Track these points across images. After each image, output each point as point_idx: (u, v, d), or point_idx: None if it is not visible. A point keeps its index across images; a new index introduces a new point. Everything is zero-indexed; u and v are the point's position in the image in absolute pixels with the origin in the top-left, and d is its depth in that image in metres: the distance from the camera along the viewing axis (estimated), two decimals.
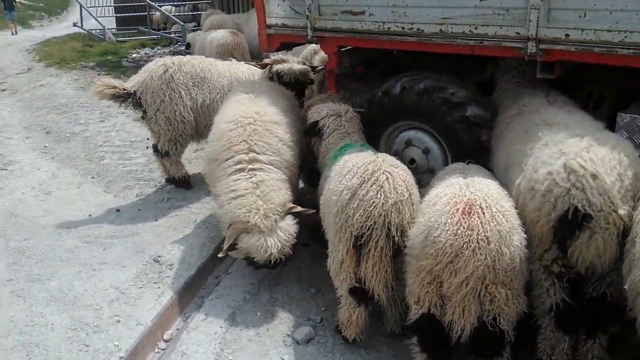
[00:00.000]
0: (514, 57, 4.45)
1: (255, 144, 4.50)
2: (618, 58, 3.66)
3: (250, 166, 4.39)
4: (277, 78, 6.01)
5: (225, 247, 4.16)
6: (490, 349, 3.33)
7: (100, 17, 20.98)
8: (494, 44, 4.22)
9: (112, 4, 22.21)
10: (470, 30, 4.32)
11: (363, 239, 3.65)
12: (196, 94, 6.19)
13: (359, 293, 3.81)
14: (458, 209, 3.21)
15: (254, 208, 4.15)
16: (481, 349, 3.33)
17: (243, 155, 4.44)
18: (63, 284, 4.71)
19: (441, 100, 4.78)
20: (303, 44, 6.32)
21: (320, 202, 4.28)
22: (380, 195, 3.63)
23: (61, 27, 28.89)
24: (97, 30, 19.92)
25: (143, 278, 4.80)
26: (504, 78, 4.80)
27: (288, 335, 4.15)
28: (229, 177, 4.36)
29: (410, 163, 5.15)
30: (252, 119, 4.65)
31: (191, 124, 6.24)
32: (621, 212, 3.08)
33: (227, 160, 4.48)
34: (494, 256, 3.11)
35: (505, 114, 4.43)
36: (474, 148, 4.66)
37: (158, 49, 17.62)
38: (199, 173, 7.16)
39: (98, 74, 13.27)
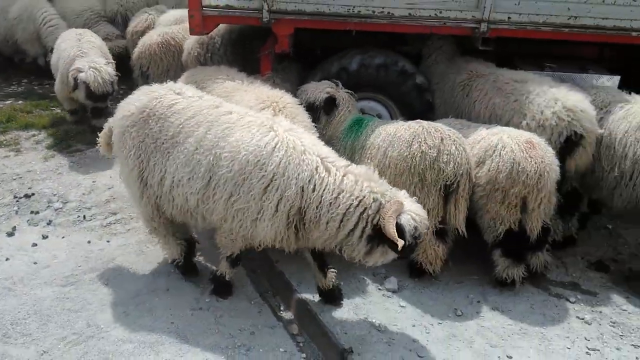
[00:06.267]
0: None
1: None
2: (542, 33, 5.28)
3: None
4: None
5: None
6: (544, 242, 4.59)
7: None
8: (455, 25, 5.27)
9: None
10: (435, 14, 5.23)
11: None
12: None
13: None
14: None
15: None
16: (542, 243, 4.55)
17: None
18: None
19: (397, 72, 5.58)
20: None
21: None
22: None
23: None
24: None
25: None
26: (433, 53, 5.88)
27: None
28: None
29: None
30: None
31: None
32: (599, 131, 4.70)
33: None
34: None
35: (453, 80, 5.57)
36: (423, 109, 5.66)
37: None
38: None
39: None
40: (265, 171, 3.49)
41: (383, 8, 5.21)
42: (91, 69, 6.11)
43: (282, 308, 4.15)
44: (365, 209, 3.46)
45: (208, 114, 3.77)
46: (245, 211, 3.57)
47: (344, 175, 3.57)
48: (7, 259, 4.48)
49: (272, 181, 3.49)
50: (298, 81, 5.95)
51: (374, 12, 5.23)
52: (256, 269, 4.58)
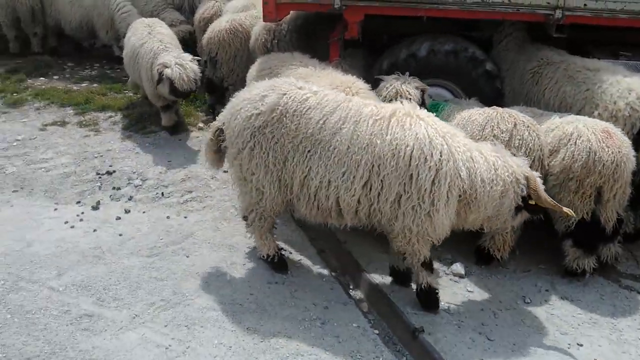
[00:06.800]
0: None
1: None
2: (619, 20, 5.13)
3: None
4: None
5: None
6: (617, 234, 4.51)
7: None
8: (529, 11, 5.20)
9: None
10: (508, 0, 5.17)
11: None
12: None
13: None
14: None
15: None
16: (614, 234, 4.48)
17: None
18: None
19: (467, 58, 5.55)
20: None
21: None
22: None
23: None
24: None
25: None
26: (504, 40, 5.81)
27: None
28: None
29: None
30: None
31: None
32: None
33: None
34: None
35: (523, 67, 5.50)
36: (492, 96, 5.61)
37: None
38: None
39: None
40: (432, 162, 3.45)
41: None
42: (177, 65, 6.01)
43: (351, 286, 4.28)
44: (518, 182, 3.65)
45: (347, 108, 3.66)
46: (418, 206, 3.52)
47: (490, 153, 3.74)
48: (94, 230, 4.80)
49: (439, 170, 3.47)
50: (364, 67, 6.02)
51: None
52: (325, 248, 4.74)
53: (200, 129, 7.01)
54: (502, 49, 5.80)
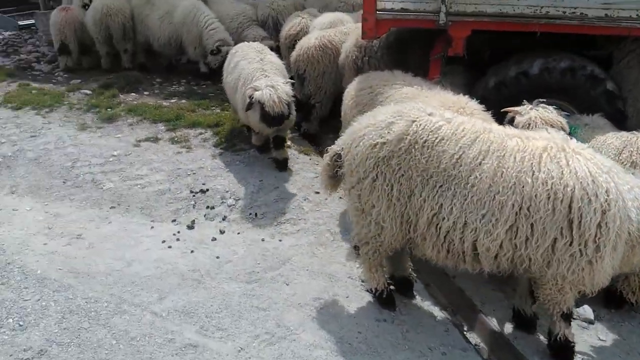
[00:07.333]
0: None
1: None
2: None
3: None
4: None
5: None
6: None
7: None
8: None
9: None
10: (637, 15, 4.66)
11: None
12: None
13: None
14: None
15: None
16: None
17: None
18: None
19: (585, 77, 5.05)
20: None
21: None
22: None
23: None
24: None
25: None
26: (627, 57, 5.27)
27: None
28: None
29: None
30: None
31: None
32: None
33: None
34: None
35: None
36: (614, 118, 5.05)
37: None
38: None
39: None
40: (597, 203, 2.95)
41: (575, 9, 4.75)
42: (267, 87, 5.51)
43: (466, 328, 3.90)
44: None
45: (487, 140, 3.21)
46: (579, 253, 3.03)
47: None
48: (191, 252, 4.70)
49: (605, 212, 2.97)
50: (466, 85, 5.64)
51: (564, 12, 4.78)
52: (429, 282, 4.38)
53: (288, 147, 6.84)
54: (624, 66, 5.26)
